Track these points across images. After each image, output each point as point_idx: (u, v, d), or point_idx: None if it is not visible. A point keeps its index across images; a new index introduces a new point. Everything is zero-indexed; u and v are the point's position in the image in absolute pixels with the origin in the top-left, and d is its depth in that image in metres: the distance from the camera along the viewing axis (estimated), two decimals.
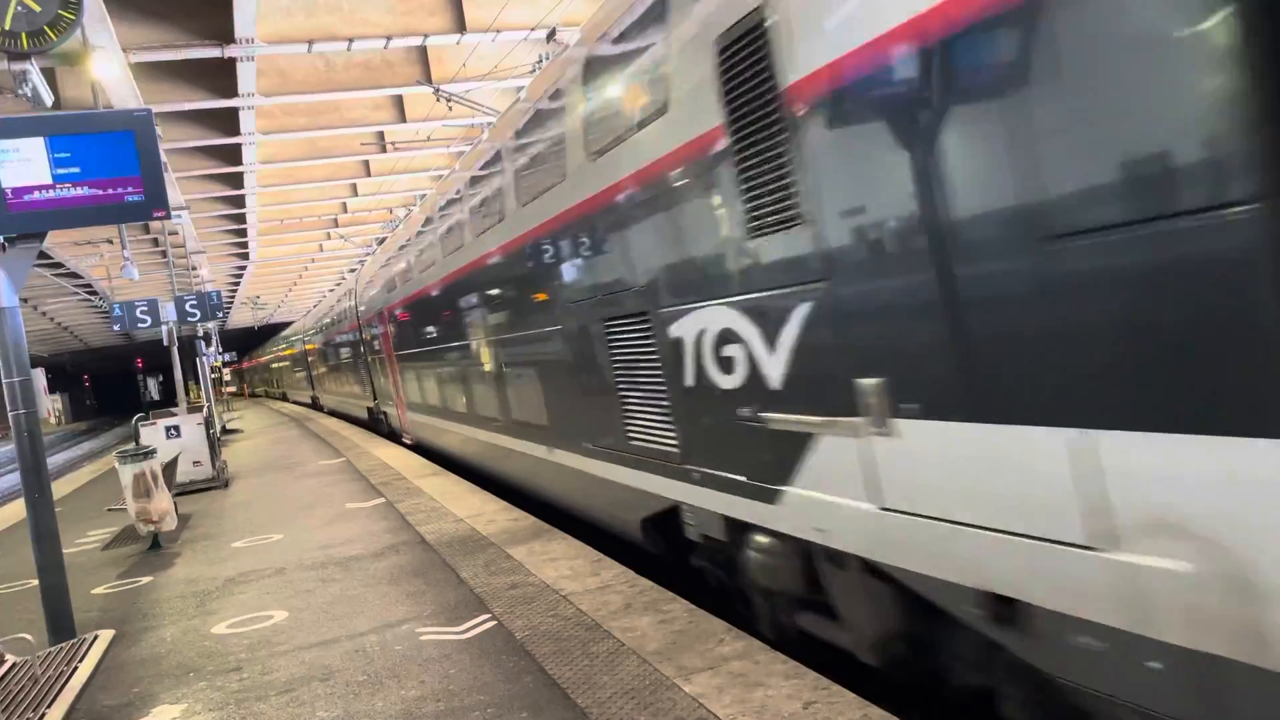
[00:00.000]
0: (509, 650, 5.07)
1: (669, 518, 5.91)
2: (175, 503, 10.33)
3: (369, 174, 25.96)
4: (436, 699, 4.54)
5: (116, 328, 17.65)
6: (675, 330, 5.22)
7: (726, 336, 4.66)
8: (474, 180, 9.85)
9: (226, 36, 13.34)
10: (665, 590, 5.74)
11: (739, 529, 5.03)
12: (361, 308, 19.77)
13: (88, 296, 38.35)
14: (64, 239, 26.47)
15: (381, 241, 23.33)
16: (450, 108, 16.44)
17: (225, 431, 26.25)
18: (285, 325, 57.95)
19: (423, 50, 16.47)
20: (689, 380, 5.16)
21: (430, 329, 12.64)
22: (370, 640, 5.61)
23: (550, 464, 8.17)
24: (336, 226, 33.68)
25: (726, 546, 5.28)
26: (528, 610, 5.72)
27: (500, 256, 8.59)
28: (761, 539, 4.83)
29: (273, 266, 42.43)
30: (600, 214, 6.03)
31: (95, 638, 6.32)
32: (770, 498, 4.53)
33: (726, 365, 4.71)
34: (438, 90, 15.78)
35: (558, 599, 5.86)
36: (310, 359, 35.44)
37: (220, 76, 15.43)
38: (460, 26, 14.45)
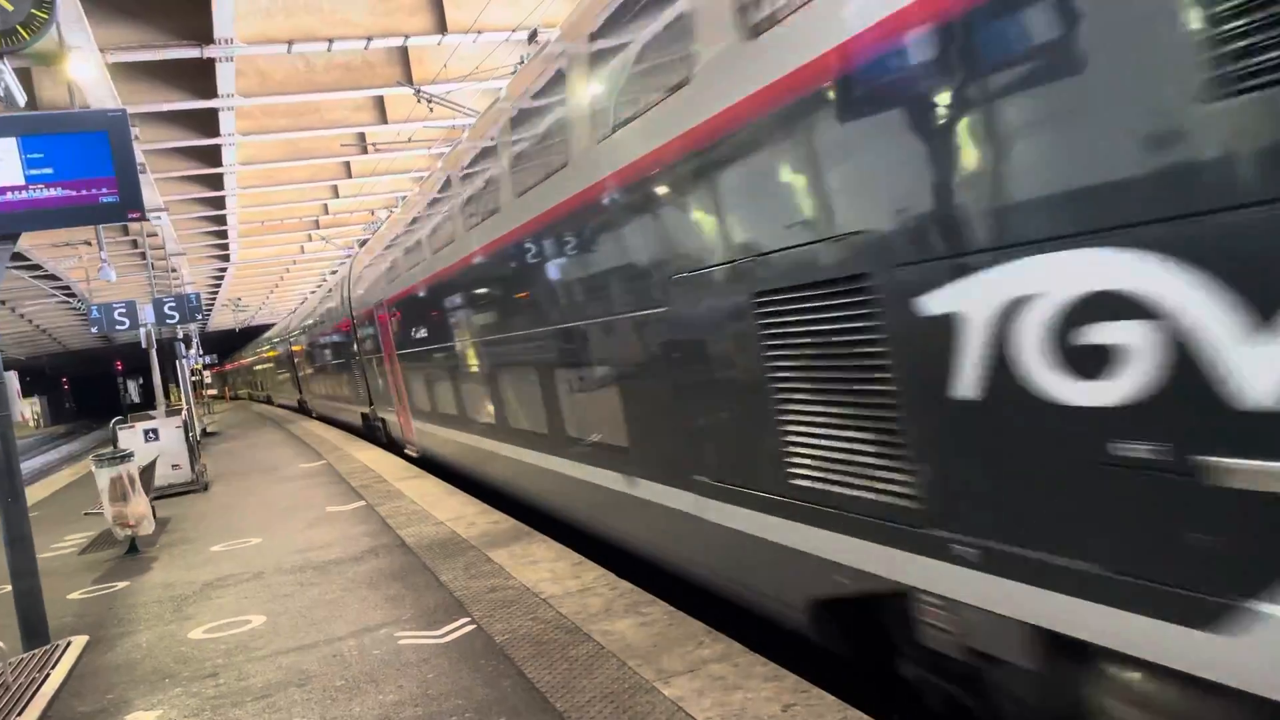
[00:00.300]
0: (488, 654, 5.05)
1: (878, 605, 4.07)
2: (153, 506, 10.24)
3: (350, 175, 25.90)
4: (415, 704, 4.51)
5: (95, 330, 17.49)
6: (940, 301, 3.27)
7: (1099, 308, 2.71)
8: (522, 115, 7.39)
9: (205, 37, 13.27)
10: (645, 592, 5.73)
11: (1080, 656, 3.10)
12: (356, 301, 18.25)
13: (66, 299, 38.02)
14: (41, 240, 26.24)
15: (364, 243, 23.05)
16: (431, 109, 16.41)
17: (205, 434, 26.06)
18: (267, 327, 57.45)
19: (403, 51, 16.44)
20: (966, 388, 3.23)
21: (448, 322, 10.60)
22: (348, 645, 5.57)
23: (629, 499, 6.26)
24: (318, 228, 33.55)
25: (1033, 677, 3.32)
26: (507, 614, 5.70)
27: (556, 221, 6.56)
28: (1163, 689, 2.88)
29: (254, 268, 42.18)
30: (763, 125, 4.07)
31: (69, 644, 6.27)
32: (1213, 620, 2.54)
33: (1090, 362, 2.77)
34: (419, 91, 15.73)
35: (538, 602, 5.83)
36: (296, 360, 33.92)
37: (199, 77, 15.36)
38: (441, 27, 14.42)
